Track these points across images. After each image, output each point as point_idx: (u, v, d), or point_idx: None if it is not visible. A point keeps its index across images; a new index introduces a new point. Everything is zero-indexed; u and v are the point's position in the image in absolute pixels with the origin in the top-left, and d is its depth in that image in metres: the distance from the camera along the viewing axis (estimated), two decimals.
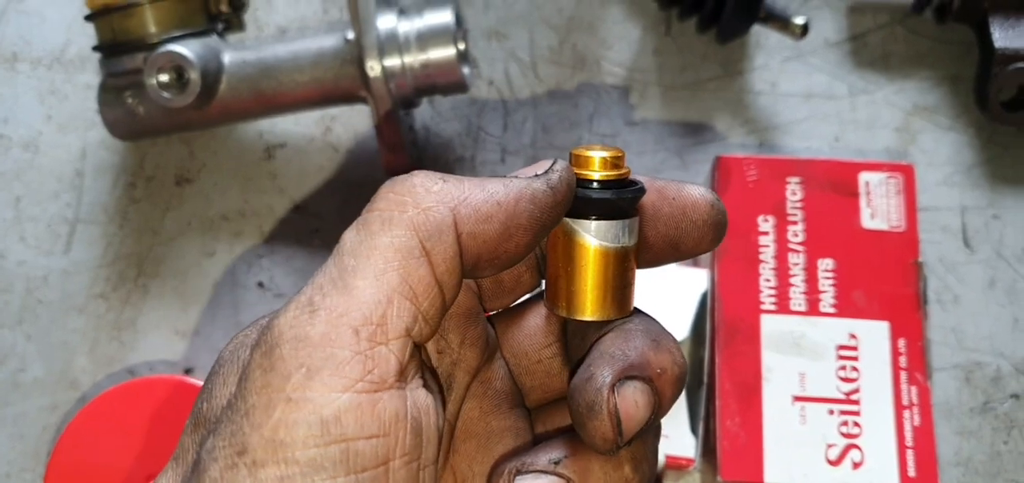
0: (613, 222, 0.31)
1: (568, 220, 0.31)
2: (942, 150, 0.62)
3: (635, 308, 0.33)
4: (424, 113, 0.64)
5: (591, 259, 0.31)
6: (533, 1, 0.67)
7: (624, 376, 0.29)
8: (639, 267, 0.32)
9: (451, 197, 0.29)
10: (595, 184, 0.31)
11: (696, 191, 0.32)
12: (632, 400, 0.29)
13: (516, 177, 0.30)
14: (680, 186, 0.33)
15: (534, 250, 0.33)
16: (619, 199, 0.31)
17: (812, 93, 0.64)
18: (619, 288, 0.31)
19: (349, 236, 0.29)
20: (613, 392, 0.29)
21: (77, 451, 0.56)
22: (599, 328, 0.32)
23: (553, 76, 0.65)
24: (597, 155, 0.31)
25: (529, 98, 0.65)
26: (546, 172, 0.30)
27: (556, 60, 0.65)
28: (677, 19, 0.63)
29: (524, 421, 0.35)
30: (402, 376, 0.28)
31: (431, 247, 0.28)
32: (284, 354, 0.27)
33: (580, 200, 0.31)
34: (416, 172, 0.30)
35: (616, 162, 0.31)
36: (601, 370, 0.29)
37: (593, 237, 0.31)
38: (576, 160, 0.31)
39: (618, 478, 0.31)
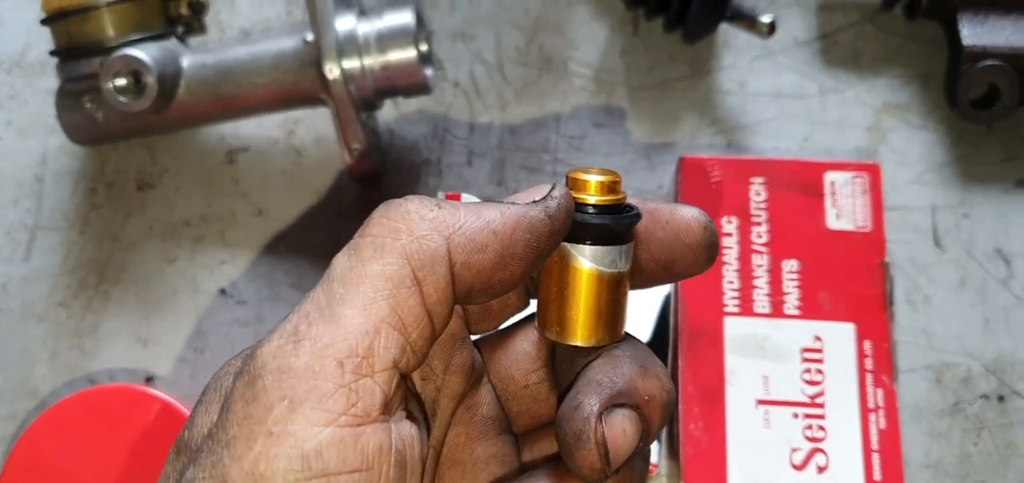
0: (609, 248, 0.31)
1: (564, 244, 0.31)
2: (913, 149, 0.62)
3: (624, 332, 0.32)
4: (388, 115, 0.64)
5: (585, 284, 0.31)
6: (499, 2, 0.66)
7: (612, 404, 0.29)
8: (631, 289, 0.32)
9: (446, 225, 0.28)
10: (591, 208, 0.31)
11: (689, 213, 0.32)
12: (620, 429, 0.29)
13: (513, 204, 0.30)
14: (673, 209, 0.32)
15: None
16: (616, 225, 0.30)
17: (781, 92, 0.63)
18: (611, 314, 0.31)
19: (339, 262, 0.28)
20: (600, 421, 0.29)
21: (33, 459, 0.55)
22: (588, 353, 0.31)
23: (520, 77, 0.64)
24: (594, 179, 0.31)
25: (496, 100, 0.64)
26: (545, 199, 0.30)
27: (523, 61, 0.65)
28: (644, 19, 0.63)
29: (511, 447, 0.34)
30: (387, 409, 0.27)
31: (423, 277, 0.28)
32: (267, 385, 0.26)
33: (577, 224, 0.30)
34: (411, 197, 0.29)
35: (613, 186, 0.31)
36: (588, 398, 0.29)
37: (588, 261, 0.31)
38: (573, 183, 0.31)
39: None
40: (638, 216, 0.31)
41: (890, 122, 0.62)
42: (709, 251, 0.32)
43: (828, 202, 0.54)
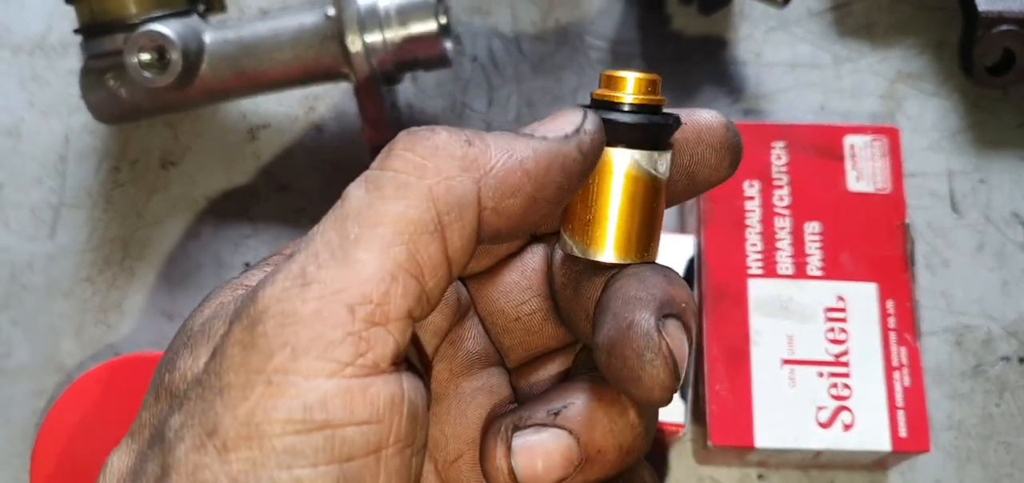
0: (650, 152, 0.28)
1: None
2: (927, 116, 0.62)
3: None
4: (407, 91, 0.64)
5: (625, 191, 0.28)
6: None
7: (662, 315, 0.27)
8: None
9: (477, 165, 0.26)
10: (628, 107, 0.28)
11: (709, 115, 0.30)
12: (678, 339, 0.27)
13: (544, 138, 0.27)
14: (690, 112, 0.30)
15: None
16: (659, 123, 0.28)
17: (797, 62, 0.64)
18: (649, 228, 0.28)
19: (355, 195, 0.26)
20: (662, 334, 0.26)
21: (63, 431, 0.55)
22: (612, 272, 0.29)
23: (536, 51, 0.65)
24: (631, 76, 0.28)
25: (513, 73, 0.64)
26: (577, 133, 0.27)
27: (539, 35, 0.65)
28: None
29: (500, 379, 0.33)
30: (398, 360, 0.25)
31: (448, 222, 0.25)
32: (268, 330, 0.24)
33: (613, 125, 0.27)
34: (438, 129, 0.27)
35: (652, 86, 0.28)
36: (640, 313, 0.27)
37: (627, 164, 0.28)
38: (607, 81, 0.28)
39: (623, 426, 0.29)
40: (678, 119, 0.28)
41: (904, 90, 0.63)
42: (732, 153, 0.30)
43: (848, 165, 0.55)
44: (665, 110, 0.28)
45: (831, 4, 0.65)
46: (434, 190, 0.25)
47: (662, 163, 0.28)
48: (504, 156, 0.26)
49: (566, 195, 0.27)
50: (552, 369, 0.33)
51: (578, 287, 0.30)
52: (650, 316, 0.27)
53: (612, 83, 0.28)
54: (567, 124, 0.27)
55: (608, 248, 0.28)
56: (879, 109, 0.62)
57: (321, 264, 0.25)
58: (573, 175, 0.27)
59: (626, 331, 0.27)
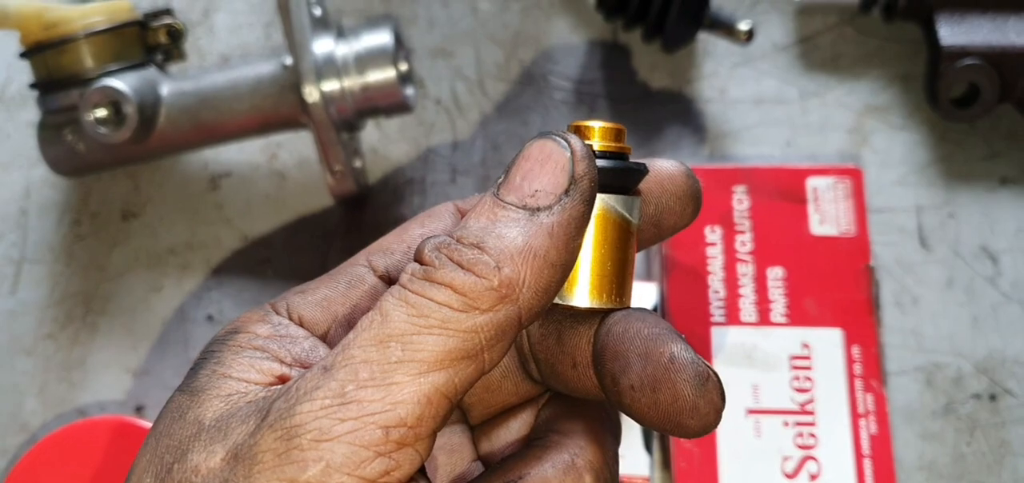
0: (621, 197, 0.29)
1: None
2: (895, 150, 0.62)
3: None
4: (371, 135, 0.64)
5: (598, 236, 0.29)
6: (478, 17, 0.66)
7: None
8: None
9: (514, 291, 0.27)
10: (596, 154, 0.29)
11: (669, 163, 0.31)
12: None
13: (549, 211, 0.27)
14: (651, 160, 0.31)
15: None
16: (632, 168, 0.28)
17: (762, 98, 0.63)
18: (622, 272, 0.29)
19: (398, 316, 0.27)
20: (705, 362, 0.27)
21: None
22: (590, 319, 0.29)
23: (501, 92, 0.64)
24: (598, 125, 0.29)
25: (477, 116, 0.64)
26: (575, 184, 0.27)
27: (503, 76, 0.65)
28: (623, 30, 0.63)
29: (462, 437, 0.33)
30: (418, 470, 0.27)
31: (489, 347, 0.27)
32: (303, 445, 0.25)
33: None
34: (474, 252, 0.27)
35: (619, 134, 0.29)
36: (675, 346, 0.27)
37: (603, 210, 0.29)
38: (576, 130, 0.29)
39: None
40: (646, 167, 0.29)
41: (872, 124, 0.62)
42: (694, 200, 0.31)
43: (811, 208, 0.54)
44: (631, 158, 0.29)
45: (797, 38, 0.64)
46: (479, 326, 0.26)
47: (634, 208, 0.29)
48: (531, 261, 0.27)
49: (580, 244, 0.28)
50: (515, 427, 0.33)
51: (561, 337, 0.30)
52: (685, 346, 0.27)
53: (581, 132, 0.29)
54: (556, 172, 0.28)
55: (584, 293, 0.29)
56: (846, 144, 0.62)
57: (361, 384, 0.26)
58: (584, 225, 0.28)
59: (669, 365, 0.27)
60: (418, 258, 0.28)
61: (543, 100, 0.64)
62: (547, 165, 0.28)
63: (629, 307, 0.30)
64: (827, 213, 0.54)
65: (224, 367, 0.29)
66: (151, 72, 0.59)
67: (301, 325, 0.31)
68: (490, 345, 0.27)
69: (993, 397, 0.57)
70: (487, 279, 0.26)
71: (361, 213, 0.62)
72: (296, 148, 0.64)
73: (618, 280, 0.29)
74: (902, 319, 0.58)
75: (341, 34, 0.58)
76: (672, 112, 0.63)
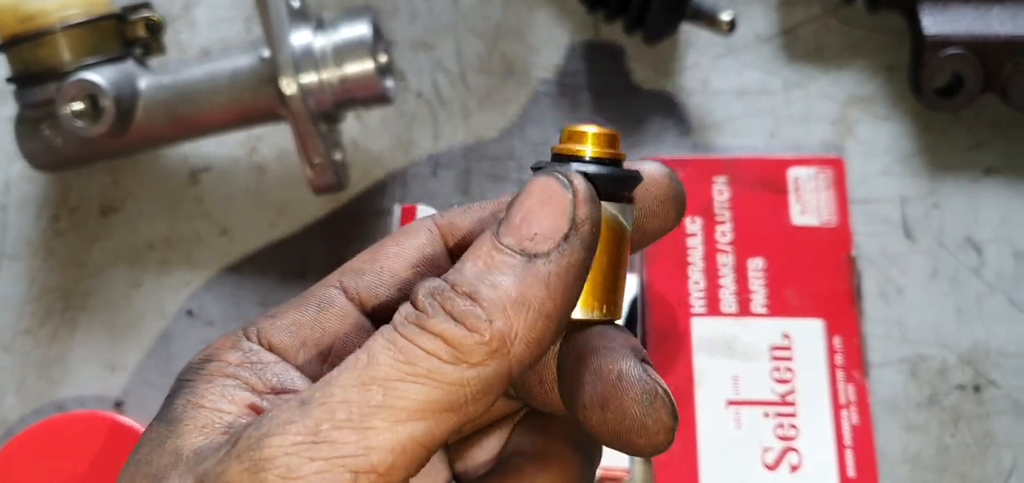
0: (618, 203, 0.28)
1: None
2: (880, 140, 0.61)
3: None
4: (352, 128, 0.63)
5: None
6: (459, 9, 0.65)
7: (640, 360, 0.27)
8: None
9: (504, 344, 0.26)
10: (589, 160, 0.28)
11: (651, 167, 0.30)
12: (663, 380, 0.27)
13: (547, 257, 0.26)
14: (636, 163, 0.30)
15: None
16: (628, 175, 0.28)
17: (745, 90, 0.63)
18: (615, 280, 0.28)
19: (385, 360, 0.26)
20: (654, 377, 0.26)
21: None
22: (577, 330, 0.29)
23: (482, 85, 0.64)
24: (592, 131, 0.28)
25: (459, 108, 0.63)
26: (576, 229, 0.26)
27: (485, 68, 0.64)
28: (605, 22, 0.62)
29: (438, 457, 0.33)
30: None
31: (474, 400, 0.26)
32: (269, 479, 0.24)
33: (582, 177, 0.27)
34: (457, 298, 0.26)
35: (614, 140, 0.28)
36: (625, 362, 0.27)
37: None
38: (569, 135, 0.28)
39: None
40: (640, 175, 0.28)
41: (856, 115, 0.62)
42: (677, 203, 0.30)
43: (792, 198, 0.54)
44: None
45: (780, 28, 0.64)
46: (466, 380, 0.25)
47: (627, 215, 0.28)
48: (524, 313, 0.26)
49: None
50: (489, 446, 0.33)
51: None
52: (635, 363, 0.26)
53: (575, 137, 0.28)
54: (556, 215, 0.26)
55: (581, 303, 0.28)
56: (830, 135, 0.61)
57: (337, 424, 0.25)
58: (584, 274, 0.27)
59: (617, 383, 0.26)
60: (413, 302, 0.27)
61: (525, 92, 0.64)
62: (547, 206, 0.27)
63: (619, 318, 0.29)
64: (808, 203, 0.54)
65: (197, 397, 0.29)
66: (129, 65, 0.59)
67: (271, 350, 0.31)
68: (475, 398, 0.26)
69: (977, 388, 0.57)
70: (478, 333, 0.26)
71: (341, 206, 0.61)
72: (276, 141, 0.63)
73: (610, 290, 0.28)
74: (886, 310, 0.58)
75: (320, 26, 0.58)
76: (655, 104, 0.63)
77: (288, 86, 0.56)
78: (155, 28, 0.61)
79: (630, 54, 0.64)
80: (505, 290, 0.26)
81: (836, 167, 0.54)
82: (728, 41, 0.63)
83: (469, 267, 0.27)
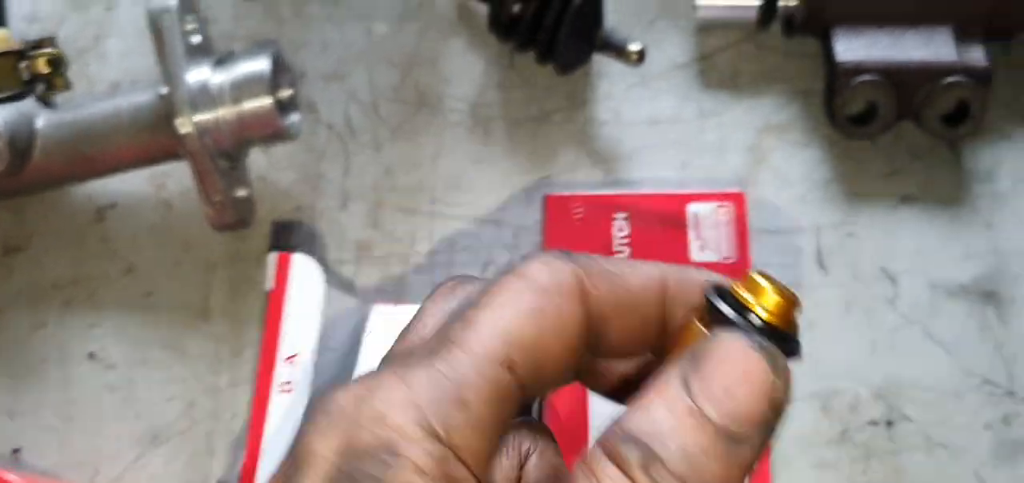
0: None
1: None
2: (795, 168, 0.60)
3: None
4: (260, 163, 0.62)
5: None
6: (372, 39, 0.64)
7: None
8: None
9: None
10: (756, 319, 0.27)
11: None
12: None
13: (752, 446, 0.25)
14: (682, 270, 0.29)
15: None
16: (796, 351, 0.27)
17: (659, 119, 0.61)
18: None
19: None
20: None
21: None
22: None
23: (395, 115, 0.63)
24: (774, 296, 0.27)
25: (370, 140, 0.62)
26: (770, 427, 0.25)
27: (398, 98, 0.63)
28: (516, 51, 0.61)
29: None
30: None
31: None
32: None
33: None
34: (687, 478, 0.24)
35: (791, 309, 0.27)
36: None
37: None
38: (750, 287, 0.27)
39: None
40: (799, 352, 0.27)
41: (771, 142, 0.60)
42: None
43: (691, 234, 0.53)
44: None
45: (696, 55, 0.62)
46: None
47: None
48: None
49: None
50: None
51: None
52: None
53: (753, 290, 0.27)
54: (758, 397, 0.25)
55: None
56: (744, 163, 0.60)
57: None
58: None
59: None
60: (618, 462, 0.25)
61: (438, 121, 0.62)
62: (750, 383, 0.25)
63: None
64: (708, 239, 0.52)
65: None
66: (28, 104, 0.58)
67: (463, 462, 0.27)
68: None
69: (890, 423, 0.55)
70: None
71: (247, 243, 0.60)
72: (184, 177, 0.62)
73: None
74: None
75: (220, 62, 0.56)
76: (568, 134, 0.62)
77: (183, 125, 0.54)
78: (57, 63, 0.59)
79: (543, 84, 0.63)
80: (711, 477, 0.24)
81: (736, 202, 0.53)
82: (643, 69, 0.62)
83: (668, 431, 0.25)
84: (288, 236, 0.56)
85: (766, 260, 0.57)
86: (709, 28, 0.62)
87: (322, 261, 0.57)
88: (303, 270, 0.45)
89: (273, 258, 0.46)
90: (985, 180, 0.60)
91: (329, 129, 0.63)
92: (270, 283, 0.45)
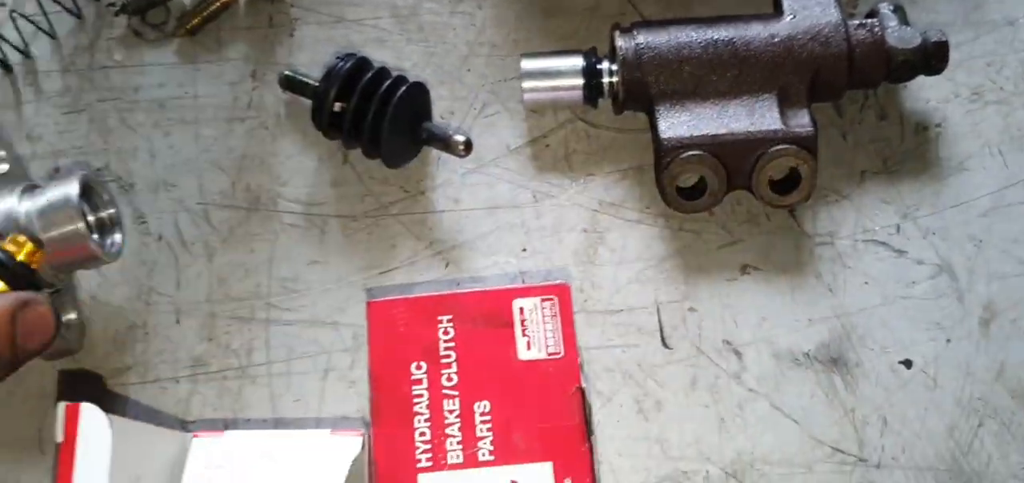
0: None
1: None
2: (631, 245, 0.59)
3: None
4: (91, 281, 0.60)
5: None
6: (201, 144, 0.63)
7: None
8: None
9: None
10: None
11: None
12: None
13: None
14: None
15: None
16: None
17: (496, 204, 0.60)
18: None
19: None
20: None
21: None
22: None
23: (226, 221, 0.61)
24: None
25: (203, 249, 0.60)
26: None
27: (229, 203, 0.61)
28: (344, 148, 0.60)
29: None
30: None
31: None
32: None
33: None
34: None
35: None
36: None
37: None
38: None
39: None
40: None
41: (607, 221, 0.60)
42: None
43: (518, 331, 0.52)
44: None
45: (528, 139, 0.62)
46: None
47: None
48: None
49: None
50: None
51: None
52: None
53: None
54: None
55: None
56: (582, 244, 0.59)
57: None
58: None
59: None
60: None
61: (272, 225, 0.61)
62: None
63: None
64: (534, 336, 0.51)
65: None
66: None
67: None
68: None
69: None
70: None
71: (79, 368, 0.58)
72: None
73: None
74: (646, 426, 0.56)
75: (28, 190, 0.54)
76: (407, 226, 0.60)
77: None
78: None
79: (379, 177, 0.61)
80: None
81: (560, 295, 0.52)
82: (478, 155, 0.61)
83: None
84: (75, 387, 0.54)
85: (607, 341, 0.57)
86: (540, 110, 0.62)
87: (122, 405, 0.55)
88: (90, 422, 0.43)
89: (61, 409, 0.44)
90: (825, 242, 0.60)
91: (159, 241, 0.61)
92: (59, 436, 0.43)
